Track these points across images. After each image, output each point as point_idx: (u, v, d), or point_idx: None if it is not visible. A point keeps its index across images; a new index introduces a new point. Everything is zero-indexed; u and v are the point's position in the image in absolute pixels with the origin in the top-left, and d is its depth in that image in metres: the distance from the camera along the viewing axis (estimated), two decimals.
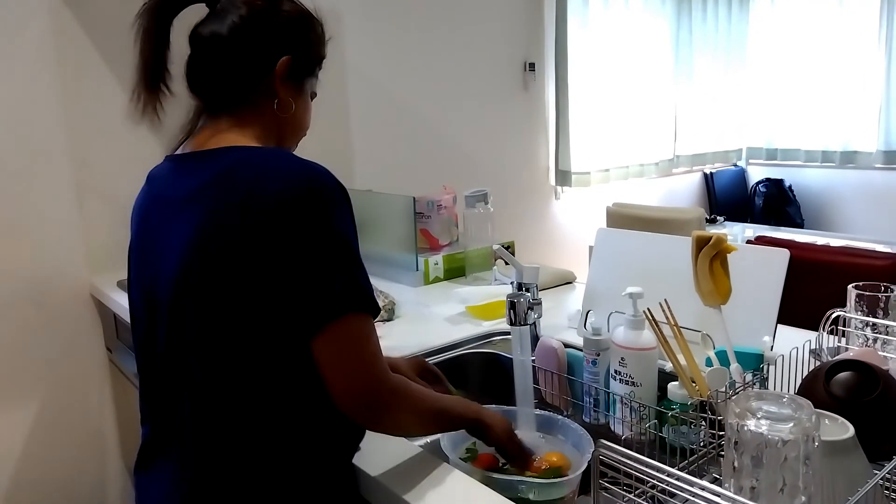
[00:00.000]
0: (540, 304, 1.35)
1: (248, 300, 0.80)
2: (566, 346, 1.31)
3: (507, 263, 1.54)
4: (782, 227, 3.72)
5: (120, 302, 1.82)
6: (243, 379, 0.82)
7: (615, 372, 1.13)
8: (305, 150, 1.01)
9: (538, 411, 1.20)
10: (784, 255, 1.10)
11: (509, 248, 2.11)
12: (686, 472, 0.81)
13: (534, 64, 3.34)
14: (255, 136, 0.92)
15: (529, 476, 1.05)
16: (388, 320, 1.65)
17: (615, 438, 1.13)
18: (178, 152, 0.94)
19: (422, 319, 1.68)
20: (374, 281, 2.12)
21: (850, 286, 1.11)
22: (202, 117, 0.95)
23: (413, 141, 2.92)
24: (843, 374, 0.83)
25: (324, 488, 0.89)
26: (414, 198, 2.01)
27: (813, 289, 1.44)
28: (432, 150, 2.99)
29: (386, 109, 2.80)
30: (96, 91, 2.05)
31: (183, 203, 0.86)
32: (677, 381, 0.99)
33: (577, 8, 3.47)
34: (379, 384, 0.83)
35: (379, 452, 0.98)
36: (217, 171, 0.84)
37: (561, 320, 1.58)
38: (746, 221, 4.05)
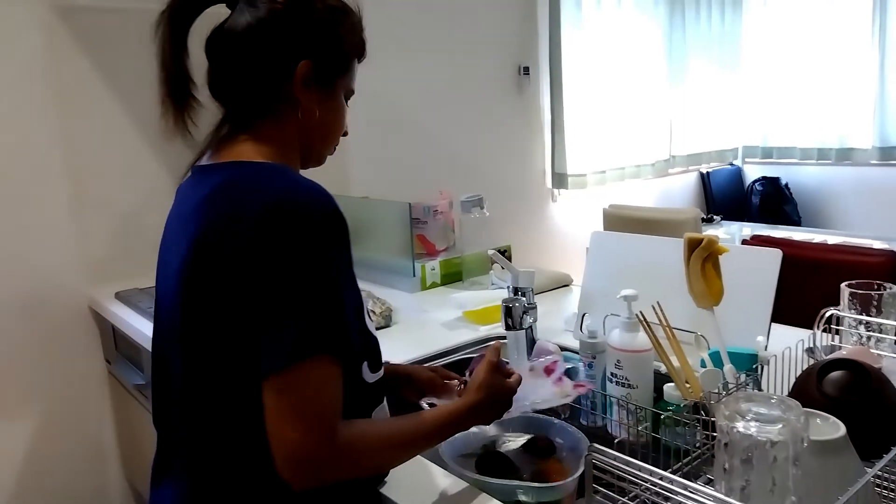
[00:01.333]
0: (535, 308, 1.36)
1: (223, 331, 0.77)
2: (563, 349, 1.31)
3: (503, 268, 1.55)
4: (780, 226, 3.72)
5: (118, 314, 1.82)
6: (233, 408, 0.80)
7: (611, 374, 1.14)
8: None
9: (535, 414, 1.21)
10: (776, 255, 1.11)
11: (505, 252, 2.11)
12: (680, 474, 0.81)
13: (528, 68, 3.35)
14: (276, 147, 0.86)
15: (526, 481, 1.05)
16: (385, 326, 1.65)
17: (612, 441, 1.14)
18: (200, 163, 0.90)
19: (419, 325, 1.68)
20: (370, 287, 2.11)
21: (843, 285, 1.12)
22: (224, 126, 0.89)
23: (409, 147, 2.93)
24: (835, 374, 0.83)
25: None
26: (410, 204, 2.01)
27: (810, 287, 1.45)
28: (428, 155, 3.00)
29: (381, 115, 2.81)
30: (92, 104, 2.06)
31: (185, 219, 0.84)
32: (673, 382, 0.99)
33: (571, 11, 3.48)
34: (319, 446, 0.72)
35: None
36: (212, 188, 0.81)
37: (558, 323, 1.58)
38: (743, 220, 4.05)
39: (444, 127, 3.05)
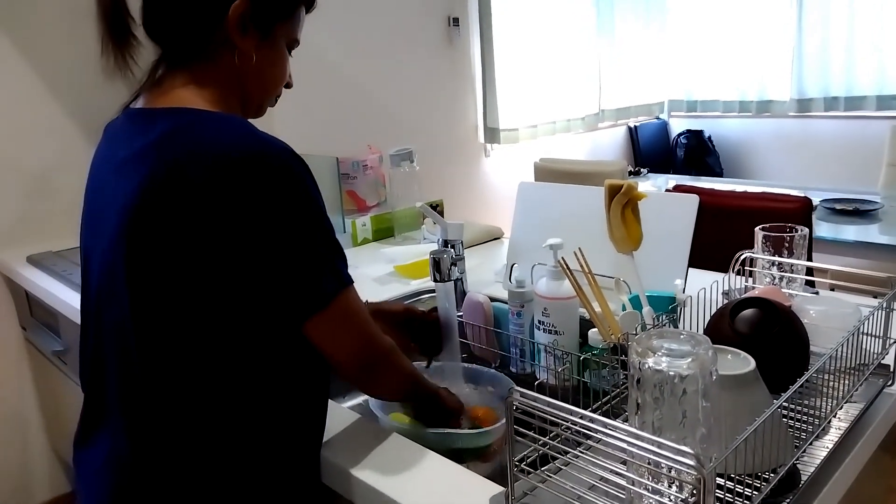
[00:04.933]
0: (463, 259, 1.36)
1: (191, 281, 0.75)
2: (493, 299, 1.32)
3: (434, 223, 1.54)
4: (703, 177, 3.84)
5: (31, 278, 1.73)
6: (184, 360, 0.78)
7: (539, 322, 1.16)
8: None
9: (466, 364, 1.22)
10: (693, 200, 1.14)
11: (438, 206, 2.10)
12: (600, 413, 0.84)
13: (458, 19, 3.30)
14: (213, 93, 0.84)
15: (457, 428, 1.07)
16: None
17: (541, 386, 1.16)
18: (133, 106, 0.86)
19: None
20: None
21: (757, 228, 1.16)
22: (160, 67, 0.86)
23: (336, 100, 2.86)
24: (747, 312, 0.87)
25: (283, 474, 0.85)
26: (337, 158, 1.97)
27: (730, 234, 1.50)
28: (357, 109, 2.94)
29: (306, 68, 2.71)
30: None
31: (124, 165, 0.80)
32: None
33: None
34: (377, 349, 0.87)
35: None
36: (160, 134, 0.77)
37: (489, 275, 1.60)
38: (669, 173, 4.16)
39: (372, 79, 2.99)
